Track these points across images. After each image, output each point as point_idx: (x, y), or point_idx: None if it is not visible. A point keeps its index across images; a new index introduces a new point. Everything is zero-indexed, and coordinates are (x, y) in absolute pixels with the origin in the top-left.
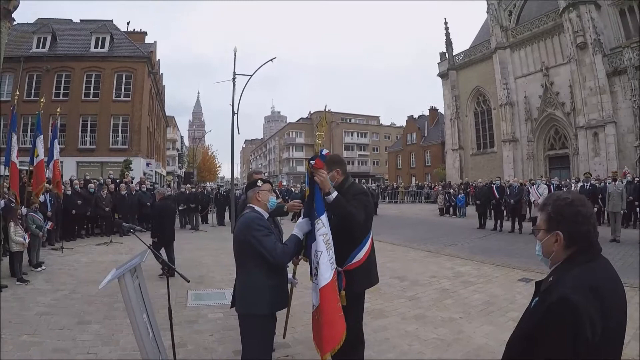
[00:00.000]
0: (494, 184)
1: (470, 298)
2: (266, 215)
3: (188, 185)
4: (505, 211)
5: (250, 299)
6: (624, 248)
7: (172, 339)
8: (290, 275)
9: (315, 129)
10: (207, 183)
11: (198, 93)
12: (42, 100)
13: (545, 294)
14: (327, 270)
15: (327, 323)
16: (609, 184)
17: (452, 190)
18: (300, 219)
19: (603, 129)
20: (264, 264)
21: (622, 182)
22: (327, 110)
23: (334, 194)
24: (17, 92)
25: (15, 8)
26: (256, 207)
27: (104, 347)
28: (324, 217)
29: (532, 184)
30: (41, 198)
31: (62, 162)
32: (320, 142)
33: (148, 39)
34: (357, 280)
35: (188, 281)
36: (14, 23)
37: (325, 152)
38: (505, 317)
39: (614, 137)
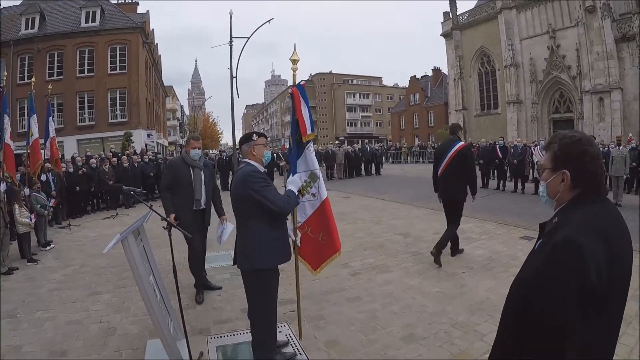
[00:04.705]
0: (497, 144)
1: (473, 254)
2: (262, 169)
3: None
4: (508, 171)
5: (252, 254)
6: (625, 212)
7: (178, 299)
8: (290, 230)
9: (293, 61)
10: (210, 150)
11: (196, 61)
12: (33, 80)
13: (549, 235)
14: (324, 187)
15: (334, 231)
16: (612, 148)
17: None
18: (291, 176)
19: (609, 95)
20: (265, 217)
21: (627, 148)
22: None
23: None
24: (5, 73)
25: None
26: (251, 162)
27: (116, 315)
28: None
29: (536, 145)
30: (42, 177)
31: (62, 141)
32: (294, 72)
33: (140, 9)
34: None
35: (190, 236)
36: (1, 7)
37: (302, 82)
38: (507, 273)
39: (620, 104)
